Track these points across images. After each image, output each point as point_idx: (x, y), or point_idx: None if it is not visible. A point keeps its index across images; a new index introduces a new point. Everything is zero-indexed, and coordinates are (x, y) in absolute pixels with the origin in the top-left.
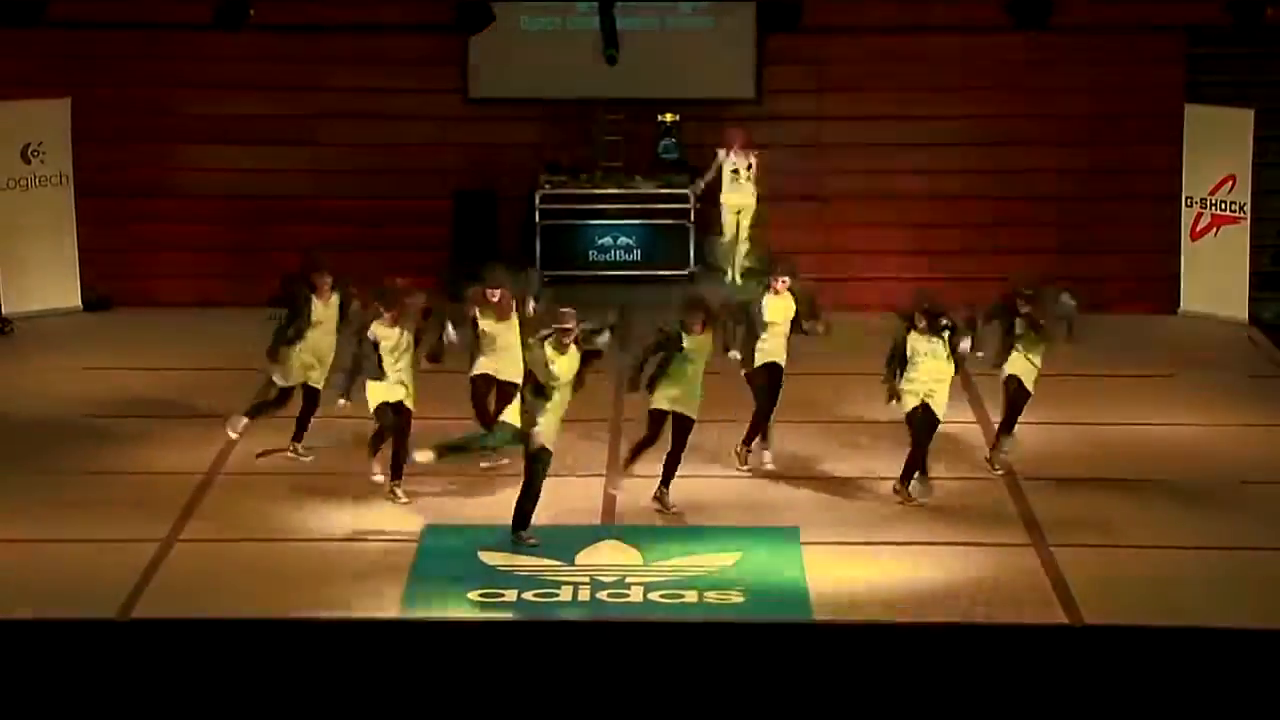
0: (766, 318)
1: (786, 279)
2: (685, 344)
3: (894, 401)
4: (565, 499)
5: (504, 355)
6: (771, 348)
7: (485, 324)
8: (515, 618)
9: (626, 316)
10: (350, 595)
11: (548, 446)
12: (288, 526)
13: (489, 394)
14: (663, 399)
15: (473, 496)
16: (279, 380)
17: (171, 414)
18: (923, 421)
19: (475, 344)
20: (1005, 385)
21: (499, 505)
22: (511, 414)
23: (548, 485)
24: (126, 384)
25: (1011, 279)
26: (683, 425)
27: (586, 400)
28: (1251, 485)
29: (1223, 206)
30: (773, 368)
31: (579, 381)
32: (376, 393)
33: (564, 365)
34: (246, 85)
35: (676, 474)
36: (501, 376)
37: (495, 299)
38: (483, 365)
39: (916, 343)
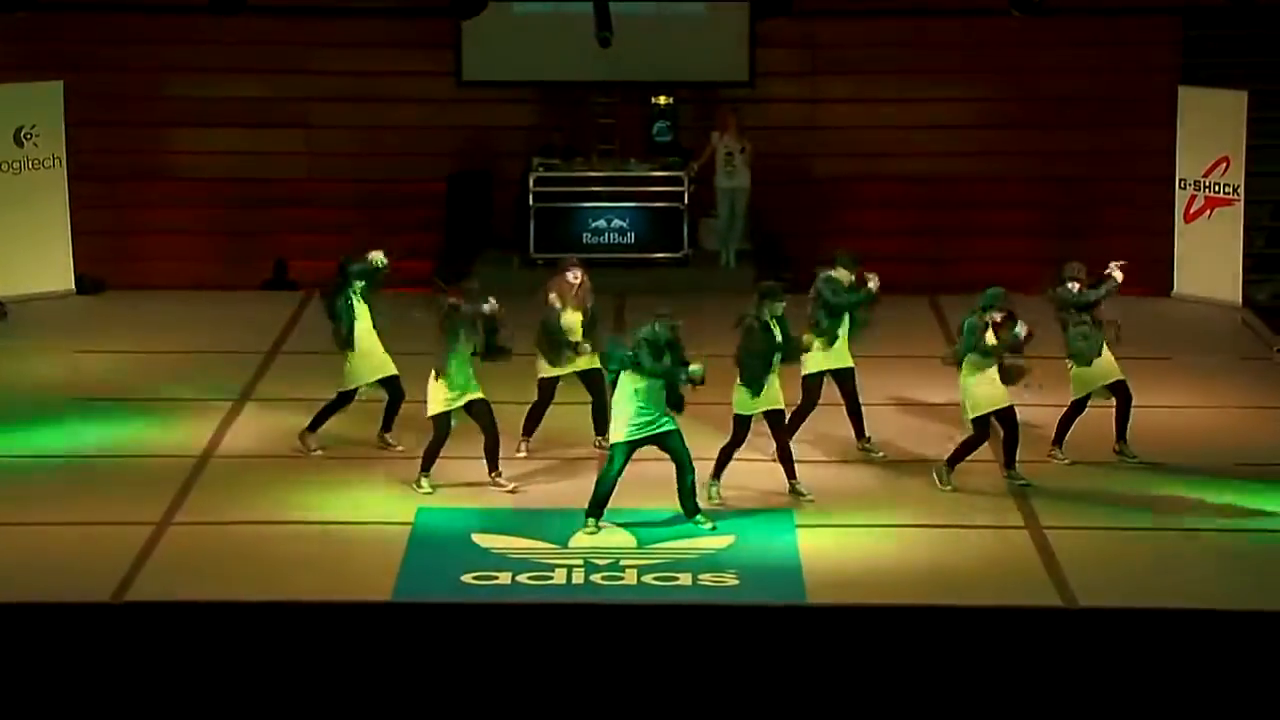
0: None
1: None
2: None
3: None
4: (558, 481)
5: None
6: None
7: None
8: (509, 600)
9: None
10: (344, 578)
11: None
12: (281, 510)
13: (549, 405)
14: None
15: (466, 480)
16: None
17: (165, 397)
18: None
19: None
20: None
21: (492, 489)
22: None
23: (542, 470)
24: (119, 367)
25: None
26: (774, 419)
27: (577, 386)
28: (1245, 467)
29: (1216, 189)
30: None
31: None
32: (438, 397)
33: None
34: (240, 69)
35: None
36: (579, 368)
37: (576, 281)
38: (549, 366)
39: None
